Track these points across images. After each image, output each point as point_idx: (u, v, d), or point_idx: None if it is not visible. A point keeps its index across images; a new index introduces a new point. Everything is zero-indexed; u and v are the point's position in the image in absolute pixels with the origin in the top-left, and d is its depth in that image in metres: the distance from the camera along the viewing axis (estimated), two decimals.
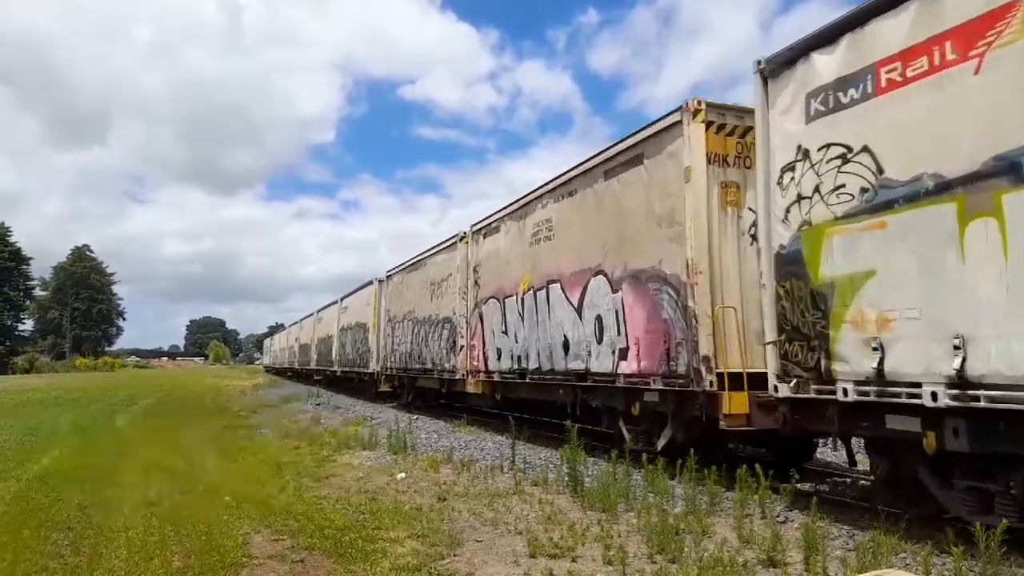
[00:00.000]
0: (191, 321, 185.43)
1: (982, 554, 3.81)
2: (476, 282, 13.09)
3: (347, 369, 25.22)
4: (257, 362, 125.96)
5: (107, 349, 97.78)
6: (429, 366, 15.46)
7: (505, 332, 11.50)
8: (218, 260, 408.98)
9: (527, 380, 10.64)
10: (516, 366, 11.00)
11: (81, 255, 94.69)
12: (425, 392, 17.38)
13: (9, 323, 72.52)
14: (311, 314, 36.37)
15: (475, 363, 12.93)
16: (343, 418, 15.73)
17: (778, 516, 5.56)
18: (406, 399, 18.31)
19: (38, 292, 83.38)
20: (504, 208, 11.96)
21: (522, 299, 10.84)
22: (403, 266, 18.52)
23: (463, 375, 13.40)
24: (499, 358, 11.78)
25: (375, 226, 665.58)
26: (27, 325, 79.79)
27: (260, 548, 4.96)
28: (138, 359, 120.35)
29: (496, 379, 12.08)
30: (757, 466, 5.57)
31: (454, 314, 13.77)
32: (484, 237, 12.87)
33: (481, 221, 13.03)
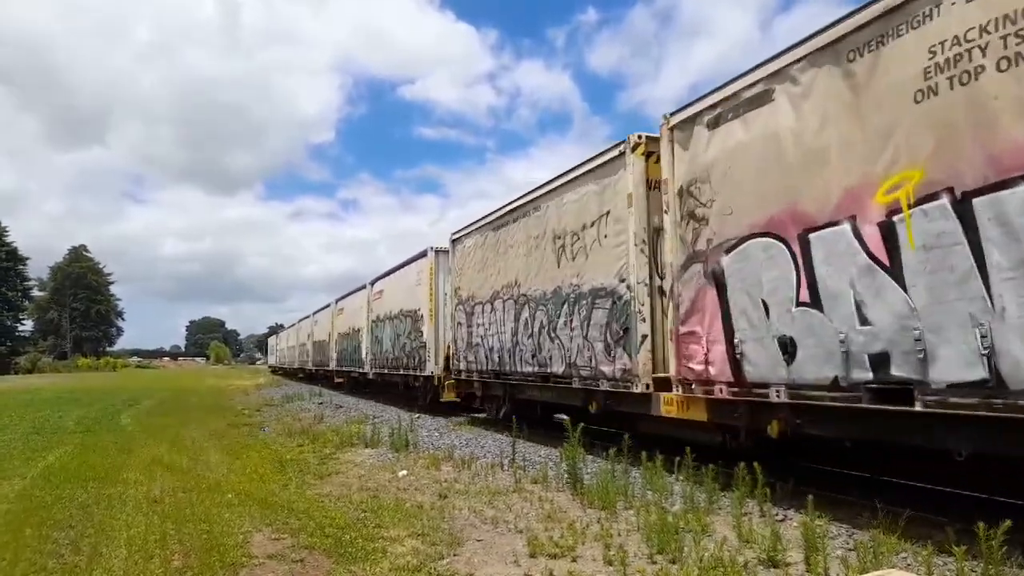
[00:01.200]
0: (191, 321, 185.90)
1: (984, 554, 3.81)
2: (691, 215, 6.99)
3: (386, 371, 19.49)
4: (259, 362, 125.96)
5: (108, 350, 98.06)
6: (558, 369, 9.50)
7: (814, 303, 5.55)
8: (217, 260, 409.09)
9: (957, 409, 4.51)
10: (885, 373, 4.96)
11: (78, 255, 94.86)
12: (533, 406, 11.53)
13: (9, 324, 72.69)
14: (327, 305, 30.61)
15: (691, 365, 6.90)
16: (346, 416, 15.75)
17: (777, 515, 5.55)
18: (495, 414, 12.63)
19: (36, 292, 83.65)
20: (804, 44, 5.71)
21: (900, 222, 4.86)
22: (487, 220, 12.38)
23: (647, 386, 7.69)
24: (790, 356, 5.76)
25: (374, 226, 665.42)
26: (27, 326, 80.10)
27: (260, 547, 4.97)
28: (139, 359, 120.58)
29: (778, 398, 5.89)
30: (755, 464, 5.56)
31: (621, 281, 8.09)
32: (713, 127, 6.68)
33: (706, 98, 6.82)
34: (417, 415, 14.79)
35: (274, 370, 57.47)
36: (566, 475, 6.88)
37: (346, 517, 5.77)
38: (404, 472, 7.99)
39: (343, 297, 27.49)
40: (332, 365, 28.56)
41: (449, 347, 14.67)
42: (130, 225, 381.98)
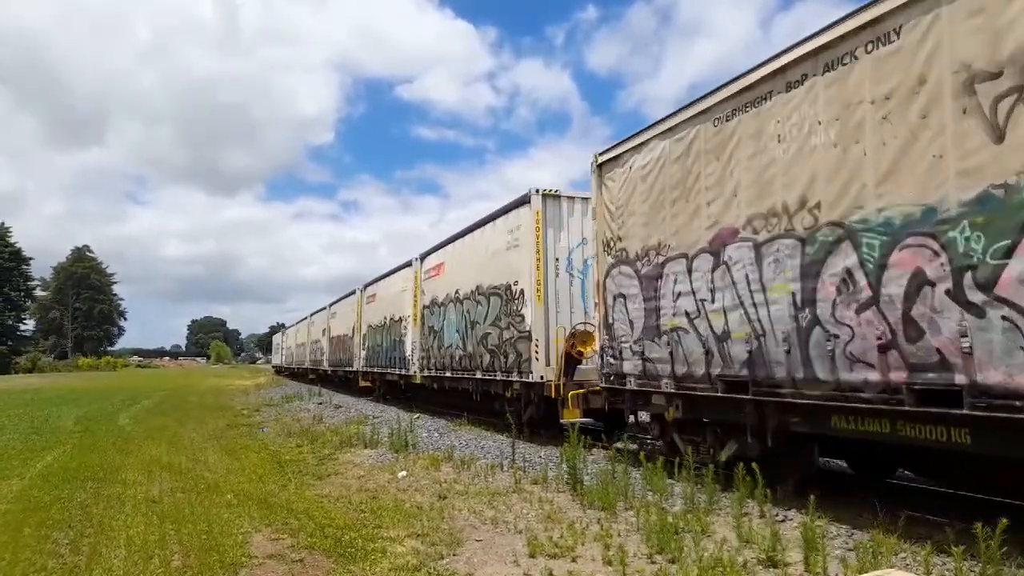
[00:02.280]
0: (192, 321, 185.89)
1: (982, 554, 3.81)
2: None
3: (447, 374, 14.60)
4: (260, 362, 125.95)
5: (109, 349, 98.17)
6: (1004, 379, 4.05)
7: None
8: (219, 260, 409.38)
9: None
10: None
11: (81, 255, 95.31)
12: (803, 445, 6.44)
13: (10, 323, 72.72)
14: (352, 292, 25.67)
15: None
16: (345, 417, 15.74)
17: (776, 515, 5.55)
18: (707, 453, 7.15)
19: (38, 292, 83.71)
20: None
21: None
22: (693, 112, 7.06)
23: None
24: None
25: (375, 226, 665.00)
26: (28, 325, 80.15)
27: (260, 547, 4.97)
28: (140, 359, 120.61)
29: None
30: (754, 464, 5.56)
31: None
32: None
33: None
34: (417, 415, 14.69)
35: (279, 370, 51.03)
36: (566, 476, 6.87)
37: (345, 517, 5.77)
38: (404, 473, 7.98)
39: (374, 281, 22.48)
40: (358, 365, 23.24)
41: (591, 333, 10.09)
42: (131, 226, 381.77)
